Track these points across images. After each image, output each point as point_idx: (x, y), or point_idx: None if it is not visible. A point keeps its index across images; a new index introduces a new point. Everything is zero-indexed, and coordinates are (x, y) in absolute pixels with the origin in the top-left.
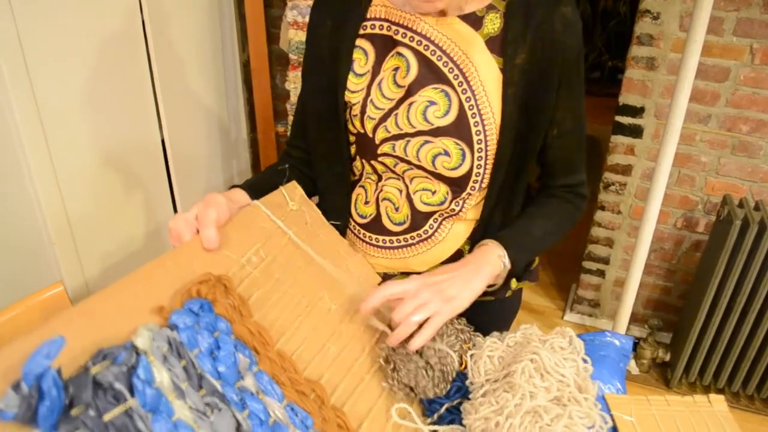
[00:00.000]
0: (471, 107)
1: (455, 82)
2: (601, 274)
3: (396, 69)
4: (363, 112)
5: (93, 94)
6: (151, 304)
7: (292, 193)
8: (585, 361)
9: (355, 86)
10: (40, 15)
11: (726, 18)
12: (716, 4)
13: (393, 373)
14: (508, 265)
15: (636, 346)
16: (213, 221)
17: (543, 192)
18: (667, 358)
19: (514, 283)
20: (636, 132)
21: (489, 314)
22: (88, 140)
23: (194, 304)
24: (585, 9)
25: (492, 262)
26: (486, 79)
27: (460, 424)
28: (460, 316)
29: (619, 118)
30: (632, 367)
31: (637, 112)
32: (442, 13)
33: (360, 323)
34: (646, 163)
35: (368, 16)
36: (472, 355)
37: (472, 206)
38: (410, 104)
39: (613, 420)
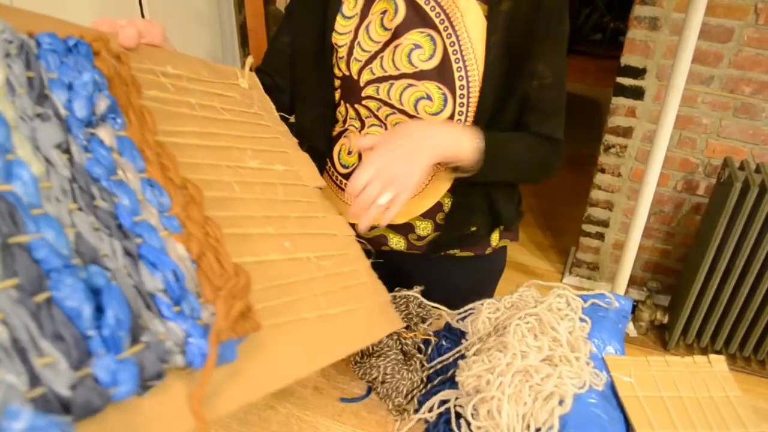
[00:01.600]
0: (455, 52)
1: (441, 27)
2: (600, 237)
3: (384, 12)
4: (350, 54)
5: None
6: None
7: (248, 76)
8: (583, 320)
9: (342, 28)
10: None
11: None
12: None
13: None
14: (474, 156)
15: (634, 308)
16: (143, 29)
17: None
18: (665, 320)
19: (494, 239)
20: (637, 93)
21: (469, 272)
22: None
23: (71, 41)
24: None
25: (462, 136)
26: (471, 25)
27: (453, 382)
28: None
29: (620, 80)
30: (630, 329)
31: (638, 73)
32: None
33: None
34: (647, 126)
35: None
36: (468, 316)
37: None
38: (396, 47)
39: (611, 380)
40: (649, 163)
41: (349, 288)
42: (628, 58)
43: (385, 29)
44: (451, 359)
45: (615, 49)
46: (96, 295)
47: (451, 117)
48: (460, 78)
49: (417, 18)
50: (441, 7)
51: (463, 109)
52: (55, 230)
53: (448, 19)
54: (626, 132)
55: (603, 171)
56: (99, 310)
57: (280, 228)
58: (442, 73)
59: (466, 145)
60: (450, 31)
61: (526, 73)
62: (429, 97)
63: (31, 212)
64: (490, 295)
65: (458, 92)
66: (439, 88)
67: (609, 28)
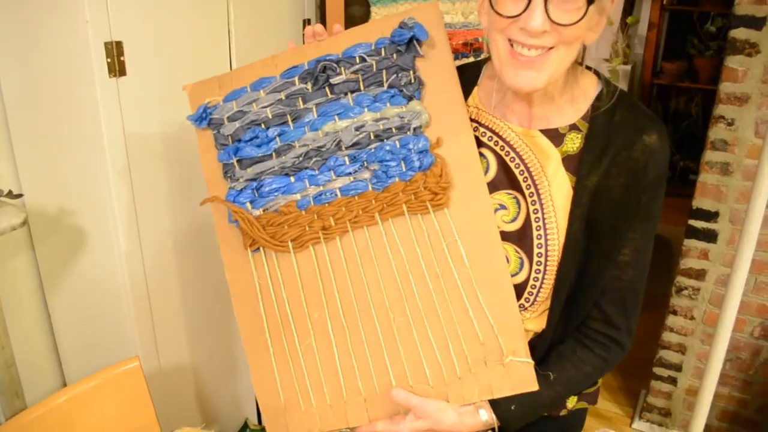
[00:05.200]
0: (537, 219)
1: (527, 192)
2: (672, 381)
3: None
4: None
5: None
6: None
7: None
8: None
9: None
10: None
11: None
12: None
13: None
14: (492, 422)
15: None
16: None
17: (578, 333)
18: None
19: (571, 402)
20: (710, 237)
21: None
22: (174, 217)
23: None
24: (656, 109)
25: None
26: (557, 195)
27: None
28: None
29: (692, 222)
30: None
31: (711, 216)
32: (528, 124)
33: None
34: (720, 269)
35: None
36: None
37: (526, 318)
38: (492, 208)
39: None
40: (724, 308)
41: None
42: (700, 202)
43: None
44: None
45: (685, 188)
46: None
47: (526, 282)
48: (539, 245)
49: (506, 179)
50: (530, 172)
51: (539, 276)
52: None
53: (535, 185)
54: (699, 274)
55: (675, 313)
56: None
57: None
58: (522, 237)
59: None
60: (535, 197)
61: (609, 250)
62: (506, 260)
63: None
64: None
65: (535, 258)
66: (517, 252)
67: (679, 167)
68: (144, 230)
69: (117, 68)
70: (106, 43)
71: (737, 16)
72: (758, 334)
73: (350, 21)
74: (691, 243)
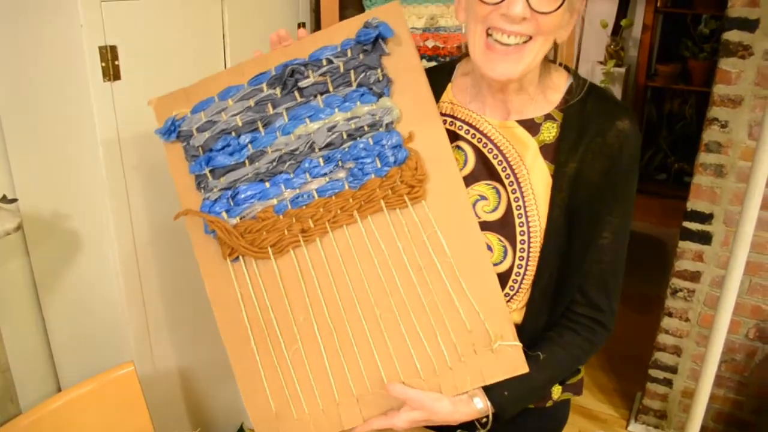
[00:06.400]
0: (518, 207)
1: (506, 181)
2: (668, 383)
3: None
4: None
5: None
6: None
7: None
8: None
9: None
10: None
11: None
12: None
13: None
14: (487, 409)
15: None
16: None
17: (563, 317)
18: None
19: (556, 392)
20: (705, 239)
21: (529, 425)
22: (169, 222)
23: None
24: (650, 111)
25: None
26: (536, 182)
27: None
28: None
29: (687, 224)
30: None
31: (705, 218)
32: (504, 116)
33: None
34: (715, 271)
35: None
36: None
37: (512, 309)
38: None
39: None
40: (719, 310)
41: None
42: (694, 203)
43: None
44: None
45: (680, 190)
46: None
47: (510, 269)
48: (522, 233)
49: (485, 170)
50: (508, 162)
51: (522, 263)
52: None
53: (514, 174)
54: (694, 276)
55: (670, 315)
56: None
57: None
58: (504, 225)
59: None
60: (515, 186)
61: (590, 234)
62: (489, 248)
63: None
64: None
65: (519, 246)
66: (500, 240)
67: (673, 169)
68: (139, 234)
69: (111, 72)
70: (100, 47)
71: (730, 18)
72: (753, 335)
73: None
74: (685, 245)
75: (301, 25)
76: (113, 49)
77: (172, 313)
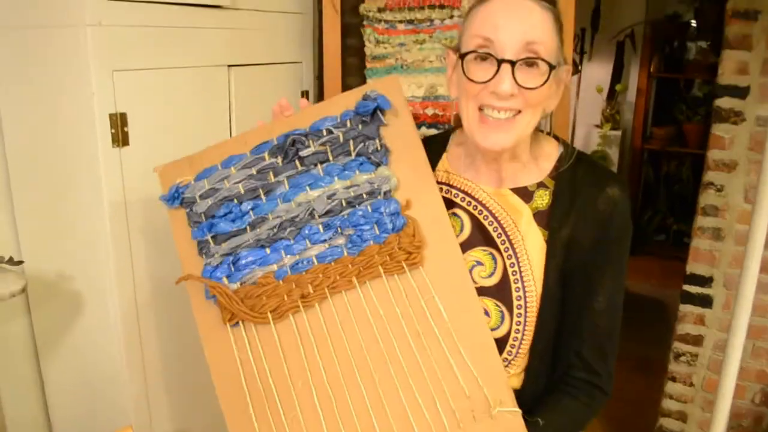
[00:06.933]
0: (514, 273)
1: (502, 247)
2: None
3: None
4: None
5: None
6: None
7: None
8: None
9: None
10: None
11: None
12: None
13: None
14: None
15: None
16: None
17: (561, 382)
18: None
19: None
20: (706, 302)
21: None
22: (170, 285)
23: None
24: (648, 173)
25: None
26: (531, 248)
27: None
28: None
29: (687, 288)
30: None
31: (705, 281)
32: (498, 184)
33: None
34: (717, 334)
35: None
36: None
37: (510, 375)
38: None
39: None
40: (723, 374)
41: None
42: (693, 266)
43: None
44: None
45: (679, 251)
46: None
47: (508, 334)
48: (518, 298)
49: (480, 236)
50: (503, 228)
51: (520, 328)
52: None
53: (509, 240)
54: (696, 340)
55: (674, 380)
56: None
57: None
58: (501, 290)
59: None
60: (511, 252)
61: (585, 299)
62: (486, 313)
63: None
64: None
65: (516, 311)
66: (497, 306)
67: (672, 230)
68: (141, 297)
69: (120, 138)
70: (110, 115)
71: (721, 86)
72: (759, 400)
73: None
74: (686, 308)
75: (305, 93)
76: (123, 116)
77: (171, 376)
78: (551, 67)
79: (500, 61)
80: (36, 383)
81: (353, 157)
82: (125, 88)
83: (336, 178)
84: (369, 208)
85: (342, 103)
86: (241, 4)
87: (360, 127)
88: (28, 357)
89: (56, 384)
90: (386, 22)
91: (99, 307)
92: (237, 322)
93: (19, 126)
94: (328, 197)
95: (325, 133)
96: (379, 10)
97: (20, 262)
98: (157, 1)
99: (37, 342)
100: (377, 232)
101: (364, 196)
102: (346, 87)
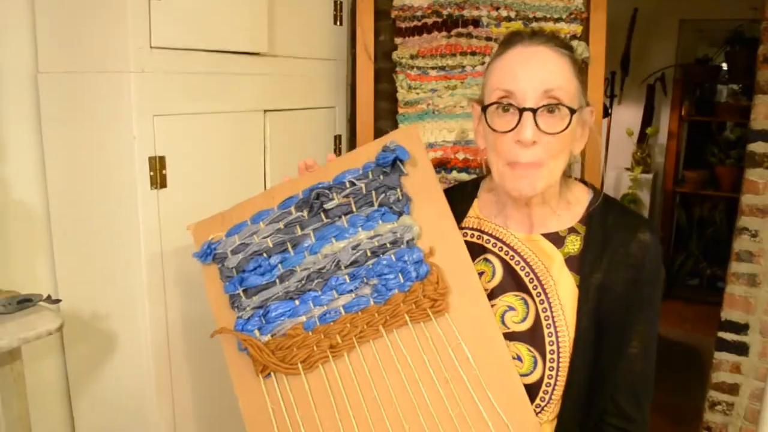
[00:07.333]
0: (546, 318)
1: (534, 292)
2: None
3: (481, 273)
4: None
5: None
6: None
7: None
8: None
9: None
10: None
11: None
12: None
13: None
14: None
15: None
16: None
17: (596, 429)
18: None
19: None
20: (741, 350)
21: None
22: (204, 328)
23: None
24: (680, 216)
25: None
26: (563, 293)
27: None
28: None
29: (722, 335)
30: None
31: (741, 328)
32: (529, 230)
33: None
34: (754, 383)
35: (463, 225)
36: None
37: (543, 421)
38: (491, 307)
39: None
40: (761, 424)
41: None
42: (728, 313)
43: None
44: None
45: (713, 295)
46: None
47: (540, 380)
48: (551, 343)
49: (512, 282)
50: (535, 274)
51: (553, 373)
52: None
53: (541, 285)
54: (732, 389)
55: (709, 429)
56: None
57: None
58: (533, 336)
59: None
60: (543, 297)
61: (618, 344)
62: (519, 358)
63: None
64: None
65: (548, 356)
66: (530, 351)
67: (706, 275)
68: (173, 341)
69: (159, 181)
70: (150, 158)
71: (754, 130)
72: None
73: (380, 134)
74: (721, 356)
75: (338, 137)
76: (162, 159)
77: (201, 422)
78: (572, 111)
79: (522, 110)
80: (67, 422)
81: (376, 207)
82: (165, 132)
83: (360, 229)
84: (393, 257)
85: (363, 154)
86: (278, 51)
87: (381, 177)
88: (60, 395)
89: (87, 422)
90: (418, 68)
91: (132, 348)
92: (269, 374)
93: (62, 166)
94: (353, 248)
95: (348, 185)
96: (412, 57)
97: (58, 301)
98: (197, 48)
99: (69, 380)
100: (402, 280)
101: (388, 245)
102: (378, 131)
